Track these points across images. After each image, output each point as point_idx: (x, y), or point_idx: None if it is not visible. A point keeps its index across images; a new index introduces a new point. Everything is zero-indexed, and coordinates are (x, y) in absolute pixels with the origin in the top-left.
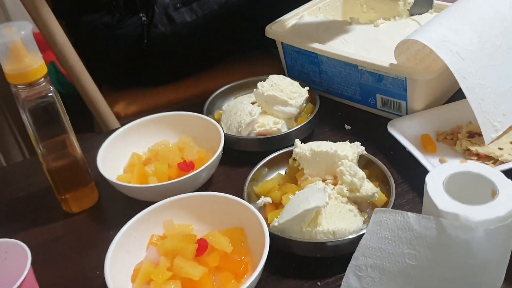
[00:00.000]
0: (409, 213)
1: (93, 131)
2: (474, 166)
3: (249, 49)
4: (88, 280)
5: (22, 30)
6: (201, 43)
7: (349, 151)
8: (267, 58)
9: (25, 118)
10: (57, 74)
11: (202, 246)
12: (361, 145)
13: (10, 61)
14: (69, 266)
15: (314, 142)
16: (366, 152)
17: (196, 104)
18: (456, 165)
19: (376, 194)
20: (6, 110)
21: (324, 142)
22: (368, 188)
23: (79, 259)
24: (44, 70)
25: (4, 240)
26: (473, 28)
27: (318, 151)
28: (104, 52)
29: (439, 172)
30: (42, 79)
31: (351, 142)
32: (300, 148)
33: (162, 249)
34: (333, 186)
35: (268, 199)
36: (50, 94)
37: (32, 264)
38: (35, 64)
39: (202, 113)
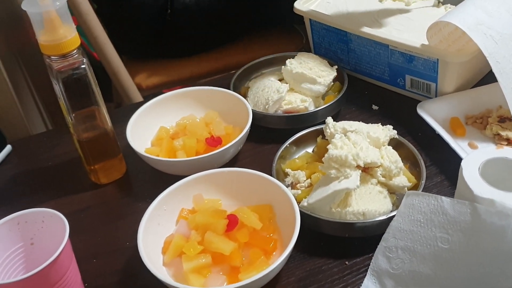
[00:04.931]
0: (443, 197)
1: (112, 101)
2: (511, 152)
3: (272, 25)
4: (119, 251)
5: (57, 1)
6: (224, 17)
7: (381, 134)
8: (288, 35)
9: (58, 88)
10: None
11: (232, 222)
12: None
13: (44, 31)
14: (99, 236)
15: (346, 121)
16: (398, 136)
17: (219, 79)
18: (492, 151)
19: (406, 189)
20: (31, 81)
21: (356, 122)
22: (402, 180)
23: (108, 230)
24: (78, 41)
25: (41, 209)
26: (510, 11)
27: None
28: (127, 19)
29: (475, 157)
30: (75, 51)
31: (378, 122)
32: (334, 128)
33: (192, 223)
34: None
35: (301, 174)
36: (83, 66)
37: None
38: (69, 35)
39: (226, 88)
